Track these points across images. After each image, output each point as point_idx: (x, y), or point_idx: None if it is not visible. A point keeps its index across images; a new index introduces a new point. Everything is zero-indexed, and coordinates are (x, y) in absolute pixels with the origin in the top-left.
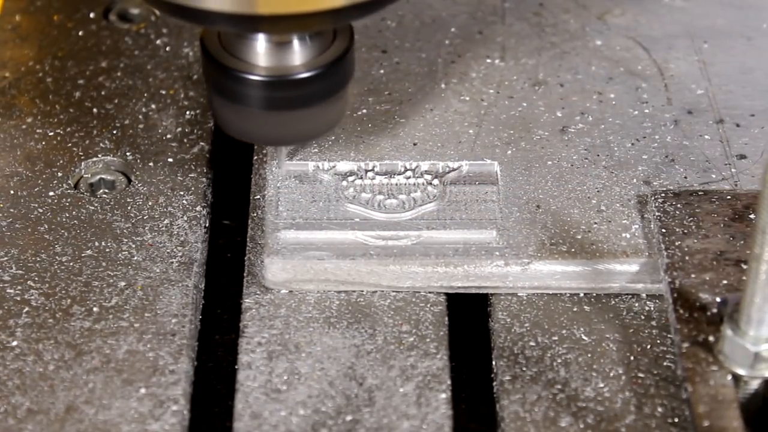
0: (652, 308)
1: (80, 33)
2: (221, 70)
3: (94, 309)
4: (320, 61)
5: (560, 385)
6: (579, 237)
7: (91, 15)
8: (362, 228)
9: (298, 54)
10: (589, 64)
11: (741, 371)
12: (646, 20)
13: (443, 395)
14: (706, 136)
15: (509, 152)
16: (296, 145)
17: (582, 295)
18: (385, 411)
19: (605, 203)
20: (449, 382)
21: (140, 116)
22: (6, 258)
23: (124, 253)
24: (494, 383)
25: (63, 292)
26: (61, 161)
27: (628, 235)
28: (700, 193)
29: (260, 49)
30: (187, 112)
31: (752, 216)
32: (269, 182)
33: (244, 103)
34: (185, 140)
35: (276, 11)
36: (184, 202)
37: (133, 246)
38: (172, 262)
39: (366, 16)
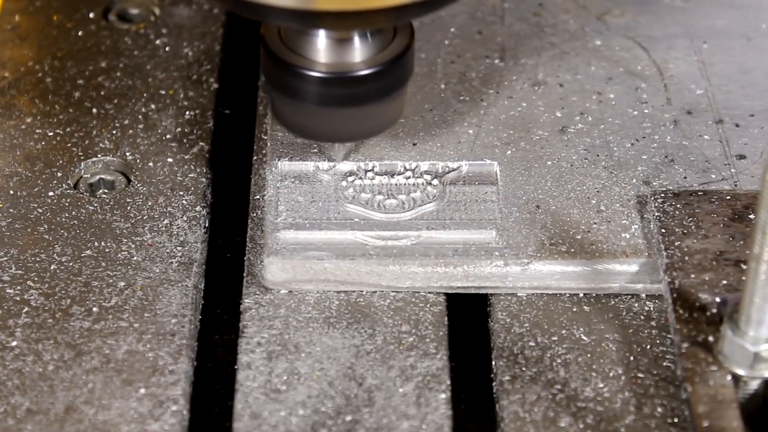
0: (651, 308)
1: (80, 33)
2: (281, 66)
3: (94, 309)
4: (380, 59)
5: (560, 386)
6: (579, 237)
7: (91, 15)
8: (362, 228)
9: (359, 51)
10: (589, 65)
11: (740, 371)
12: (645, 20)
13: (443, 395)
14: (706, 137)
15: (509, 152)
16: (354, 143)
17: (581, 295)
18: (384, 411)
19: (605, 203)
20: (449, 382)
21: (140, 116)
22: (6, 258)
23: (123, 253)
24: (494, 383)
25: (62, 292)
26: (61, 161)
27: (627, 236)
28: (699, 193)
29: (320, 45)
30: (187, 113)
31: (752, 216)
32: (269, 182)
33: (303, 100)
34: (185, 140)
35: (337, 8)
36: (183, 202)
37: (133, 246)
38: (172, 263)
39: (427, 14)
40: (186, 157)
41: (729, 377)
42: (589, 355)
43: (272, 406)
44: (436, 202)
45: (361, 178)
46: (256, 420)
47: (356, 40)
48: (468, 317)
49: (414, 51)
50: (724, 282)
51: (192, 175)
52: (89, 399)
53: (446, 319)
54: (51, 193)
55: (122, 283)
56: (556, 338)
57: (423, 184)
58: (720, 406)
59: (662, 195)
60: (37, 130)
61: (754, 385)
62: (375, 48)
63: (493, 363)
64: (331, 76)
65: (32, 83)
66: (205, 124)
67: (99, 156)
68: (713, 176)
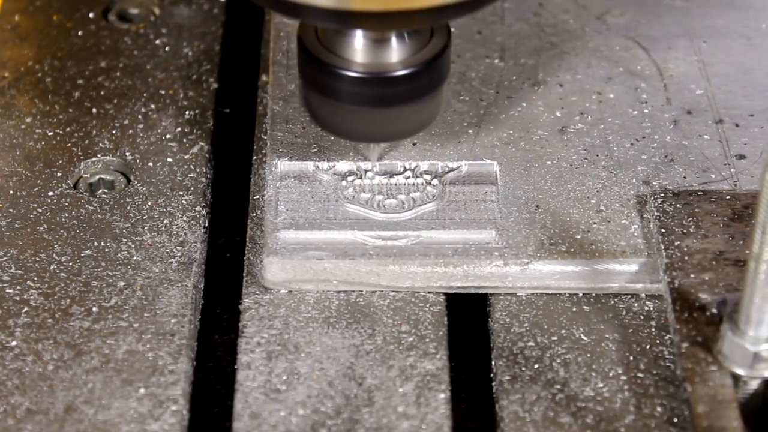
0: (651, 308)
1: (79, 33)
2: (317, 65)
3: (94, 309)
4: (417, 59)
5: (559, 385)
6: (578, 237)
7: (91, 15)
8: (362, 228)
9: (395, 51)
10: (589, 64)
11: (740, 371)
12: (645, 20)
13: (442, 395)
14: (706, 136)
15: (508, 152)
16: (390, 143)
17: (581, 295)
18: (384, 411)
19: (604, 203)
20: (448, 382)
21: (139, 116)
22: (5, 258)
23: (123, 253)
24: (493, 383)
25: (62, 292)
26: (61, 161)
27: (627, 235)
28: (699, 193)
29: (357, 45)
30: (187, 112)
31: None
32: (269, 182)
33: (339, 99)
34: (184, 140)
35: (375, 8)
36: (183, 202)
37: (133, 246)
38: (172, 262)
39: (465, 15)
40: (186, 157)
41: (729, 377)
42: (588, 355)
43: (272, 406)
44: (435, 202)
45: (360, 178)
46: (255, 420)
47: (393, 40)
48: (468, 317)
49: (450, 52)
50: (724, 282)
51: (192, 175)
52: (89, 399)
53: (446, 318)
54: (51, 193)
55: (122, 283)
56: (555, 338)
57: (423, 183)
58: (720, 405)
59: (662, 195)
60: (37, 130)
61: (753, 384)
62: (412, 48)
63: (493, 363)
64: (367, 76)
65: (32, 83)
66: (205, 124)
67: (99, 156)
68: (713, 176)
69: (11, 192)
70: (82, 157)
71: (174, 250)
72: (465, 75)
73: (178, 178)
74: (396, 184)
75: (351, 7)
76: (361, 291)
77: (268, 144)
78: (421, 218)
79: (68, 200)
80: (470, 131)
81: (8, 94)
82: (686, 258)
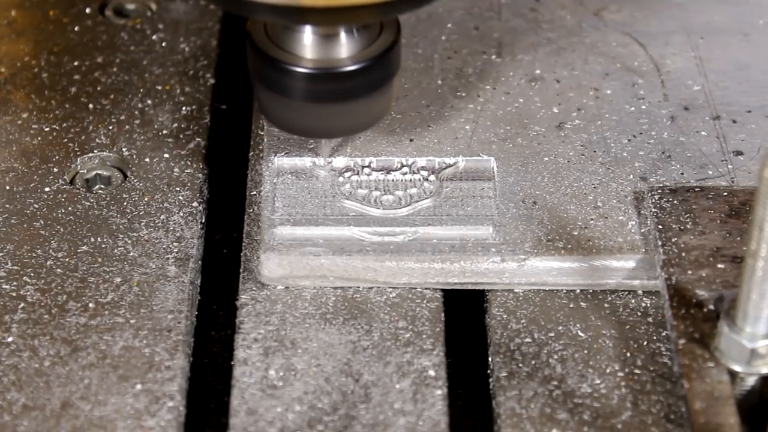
0: (648, 304)
1: (76, 28)
2: (267, 61)
3: (90, 305)
4: (366, 55)
5: (556, 382)
6: (575, 233)
7: (87, 10)
8: (359, 224)
9: (345, 47)
10: (586, 60)
11: (737, 368)
12: (642, 16)
13: (439, 391)
14: (703, 133)
15: (506, 148)
16: (341, 138)
17: (578, 291)
18: (381, 407)
19: (602, 199)
20: (445, 378)
21: (136, 112)
22: (1, 254)
23: (120, 248)
24: (490, 380)
25: (59, 288)
26: (57, 157)
27: (624, 232)
28: (696, 189)
29: (307, 41)
30: (183, 108)
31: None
32: (265, 178)
33: (289, 95)
34: (181, 136)
35: (324, 4)
36: (180, 197)
37: (129, 242)
38: (168, 258)
39: (413, 10)
40: (182, 152)
41: (726, 373)
42: (585, 352)
43: (269, 402)
44: (432, 198)
45: (357, 174)
46: (252, 416)
47: (343, 35)
48: (465, 313)
49: (400, 46)
50: (721, 278)
51: (188, 171)
52: (85, 395)
53: (443, 315)
54: (47, 189)
55: (118, 279)
56: (552, 334)
57: (420, 179)
58: (717, 402)
59: (659, 191)
60: (33, 126)
61: (750, 381)
62: (362, 43)
63: (490, 359)
64: (317, 72)
65: (28, 78)
66: (202, 120)
67: (95, 151)
68: (710, 172)
69: (7, 188)
70: (78, 153)
71: (171, 246)
72: (462, 71)
73: (175, 173)
74: (393, 180)
75: (300, 3)
76: (358, 287)
77: (265, 140)
78: (418, 214)
79: (65, 196)
80: (467, 127)
81: (4, 89)
82: (683, 254)
